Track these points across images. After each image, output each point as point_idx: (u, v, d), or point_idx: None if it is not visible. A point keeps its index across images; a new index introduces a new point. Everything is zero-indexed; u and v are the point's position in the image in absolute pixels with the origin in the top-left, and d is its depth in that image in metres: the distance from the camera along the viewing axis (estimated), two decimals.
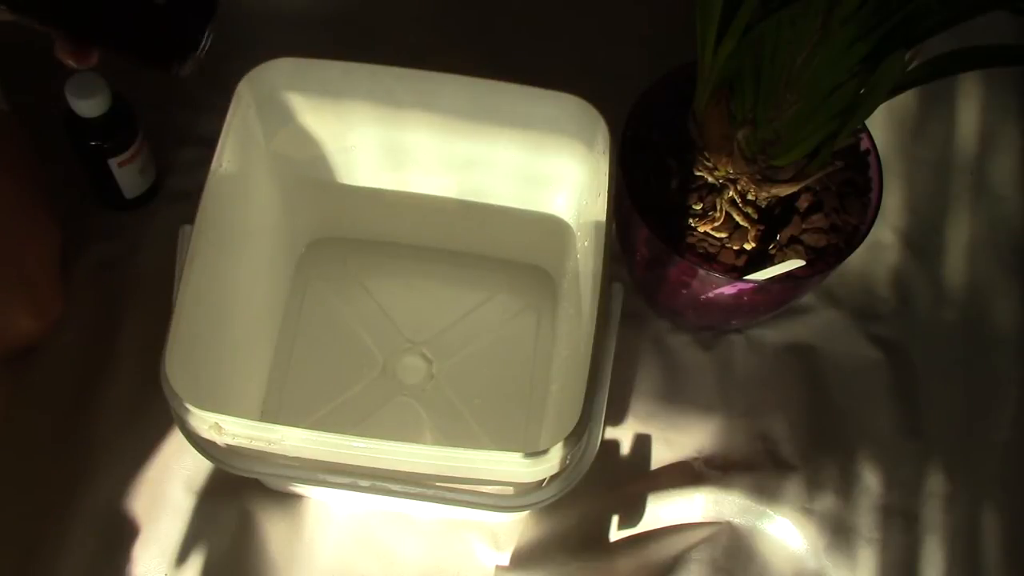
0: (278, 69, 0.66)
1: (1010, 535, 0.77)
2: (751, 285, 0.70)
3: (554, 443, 0.54)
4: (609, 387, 0.60)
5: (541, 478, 0.57)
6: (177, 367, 0.56)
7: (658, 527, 0.75)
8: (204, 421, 0.54)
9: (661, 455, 0.78)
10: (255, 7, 0.95)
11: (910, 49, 0.58)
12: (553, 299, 0.82)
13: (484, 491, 0.61)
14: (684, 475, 0.77)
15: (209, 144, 0.62)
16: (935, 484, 0.78)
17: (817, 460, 0.78)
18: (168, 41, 0.54)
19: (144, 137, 0.80)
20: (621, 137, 0.72)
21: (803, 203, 0.72)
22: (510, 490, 0.60)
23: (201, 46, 0.54)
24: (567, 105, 0.65)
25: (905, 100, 0.92)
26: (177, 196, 0.85)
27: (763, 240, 0.71)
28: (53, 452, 0.75)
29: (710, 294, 0.73)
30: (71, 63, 0.60)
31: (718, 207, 0.70)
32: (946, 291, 0.87)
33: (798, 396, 0.81)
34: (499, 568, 0.73)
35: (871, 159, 0.74)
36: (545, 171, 0.72)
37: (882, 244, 0.88)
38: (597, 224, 0.63)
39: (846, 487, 0.77)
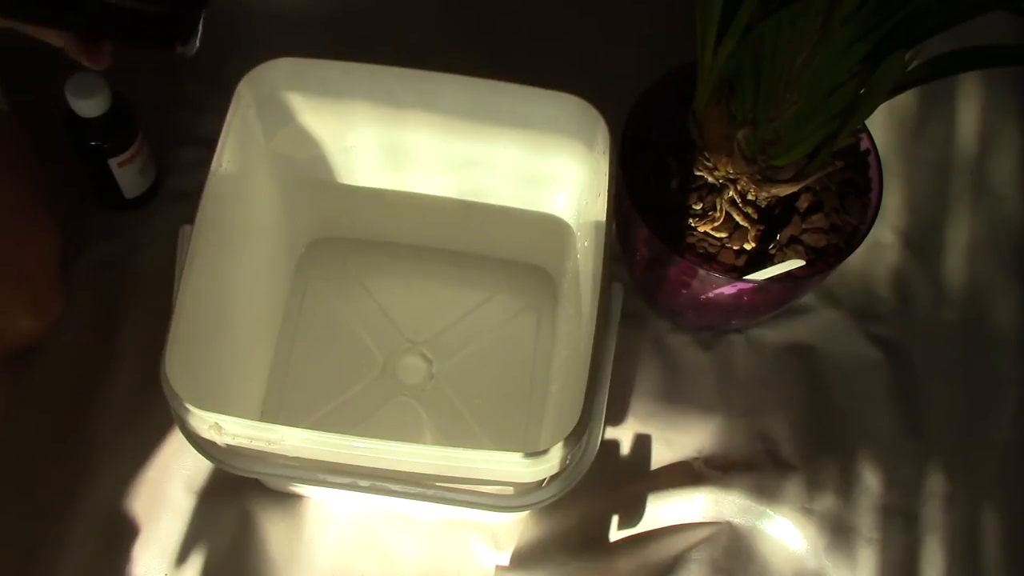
0: (278, 69, 0.66)
1: (1010, 535, 0.77)
2: (751, 285, 0.70)
3: (554, 443, 0.54)
4: (609, 387, 0.60)
5: (541, 478, 0.57)
6: (177, 367, 0.56)
7: (658, 527, 0.75)
8: (204, 421, 0.54)
9: (661, 455, 0.78)
10: (255, 7, 0.95)
11: (910, 49, 0.58)
12: (553, 299, 0.82)
13: (484, 491, 0.61)
14: (684, 475, 0.77)
15: (209, 144, 0.62)
16: (935, 484, 0.78)
17: (817, 460, 0.78)
18: (168, 22, 0.54)
19: (144, 137, 0.80)
20: (621, 137, 0.72)
21: (803, 203, 0.72)
22: (510, 490, 0.60)
23: (200, 22, 0.55)
24: (567, 105, 0.65)
25: (905, 100, 0.92)
26: (177, 196, 0.85)
27: (763, 240, 0.71)
28: (53, 452, 0.75)
29: (710, 294, 0.73)
30: (85, 63, 0.60)
31: (718, 207, 0.70)
32: (946, 291, 0.87)
33: (798, 396, 0.81)
34: (499, 568, 0.73)
35: (871, 159, 0.74)
36: (545, 171, 0.72)
37: (882, 244, 0.88)
38: (597, 224, 0.63)
39: (846, 487, 0.77)
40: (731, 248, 0.71)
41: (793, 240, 0.72)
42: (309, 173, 0.76)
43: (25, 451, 0.75)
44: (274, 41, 0.92)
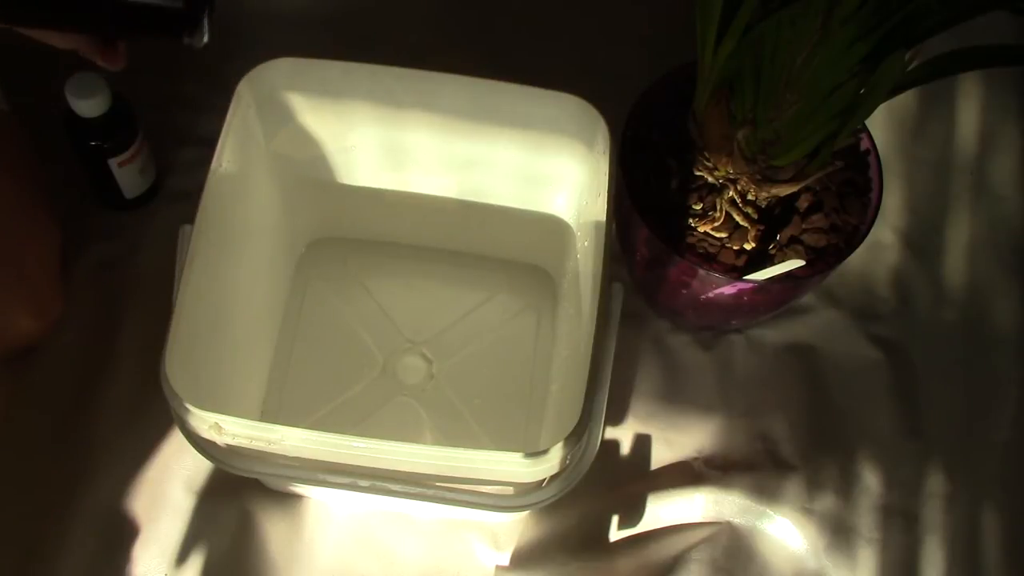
0: (278, 69, 0.66)
1: (1010, 535, 0.77)
2: (751, 285, 0.70)
3: (554, 443, 0.54)
4: (609, 387, 0.60)
5: (541, 478, 0.57)
6: (177, 367, 0.56)
7: (658, 527, 0.75)
8: (204, 421, 0.54)
9: (661, 455, 0.78)
10: (255, 7, 0.95)
11: (910, 49, 0.58)
12: (553, 299, 0.82)
13: (484, 491, 0.61)
14: (684, 475, 0.77)
15: (209, 144, 0.62)
16: (935, 484, 0.78)
17: (817, 460, 0.78)
18: (179, 15, 0.55)
19: (144, 137, 0.80)
20: (621, 137, 0.72)
21: (803, 203, 0.72)
22: (510, 490, 0.60)
23: (206, 12, 0.55)
24: (567, 105, 0.65)
25: (905, 100, 0.92)
26: (177, 196, 0.85)
27: (763, 240, 0.71)
28: (53, 452, 0.75)
29: (710, 294, 0.73)
30: (101, 64, 0.60)
31: (718, 207, 0.70)
32: (946, 291, 0.87)
33: (798, 396, 0.81)
34: (499, 568, 0.73)
35: (871, 159, 0.74)
36: (545, 171, 0.72)
37: (882, 244, 0.88)
38: (597, 224, 0.63)
39: (846, 487, 0.77)
40: (731, 248, 0.71)
41: (793, 240, 0.72)
42: (309, 173, 0.76)
43: (25, 451, 0.75)
44: (274, 41, 0.92)
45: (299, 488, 0.73)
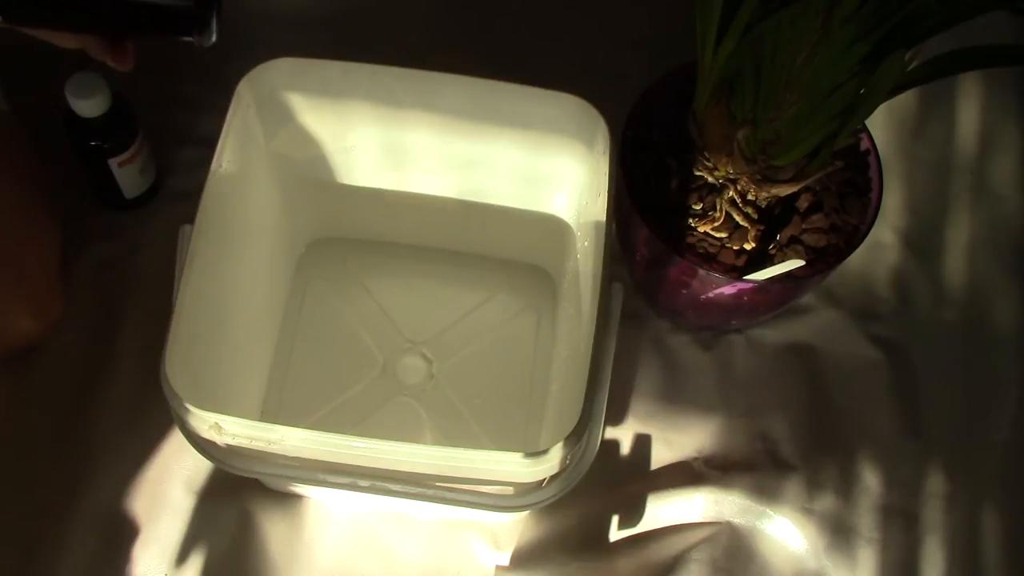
0: (278, 69, 0.66)
1: (1010, 535, 0.77)
2: (751, 285, 0.70)
3: (554, 443, 0.54)
4: (609, 387, 0.60)
5: (541, 478, 0.57)
6: (177, 367, 0.56)
7: (658, 527, 0.75)
8: (204, 421, 0.54)
9: (661, 455, 0.78)
10: (255, 7, 0.95)
11: (910, 49, 0.58)
12: (553, 299, 0.82)
13: (484, 491, 0.61)
14: (684, 475, 0.77)
15: (209, 144, 0.62)
16: (935, 484, 0.78)
17: (817, 460, 0.78)
18: (188, 14, 0.55)
19: (144, 137, 0.80)
20: (621, 137, 0.72)
21: (803, 203, 0.72)
22: (510, 490, 0.60)
23: (214, 12, 0.56)
24: (567, 105, 0.65)
25: (905, 100, 0.92)
26: (177, 196, 0.85)
27: (763, 240, 0.71)
28: (53, 452, 0.75)
29: (710, 294, 0.73)
30: (111, 64, 0.60)
31: (718, 207, 0.70)
32: (946, 291, 0.87)
33: (798, 396, 0.81)
34: (499, 568, 0.73)
35: (871, 159, 0.74)
36: (545, 171, 0.72)
37: (882, 244, 0.88)
38: (597, 224, 0.63)
39: (846, 487, 0.77)
40: (731, 248, 0.71)
41: (793, 240, 0.72)
42: (309, 173, 0.76)
43: (25, 451, 0.75)
44: (274, 41, 0.92)
45: (299, 488, 0.73)
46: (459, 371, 0.79)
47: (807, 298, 0.85)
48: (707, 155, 0.70)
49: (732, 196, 0.70)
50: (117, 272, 0.82)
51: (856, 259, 0.74)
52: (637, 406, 0.80)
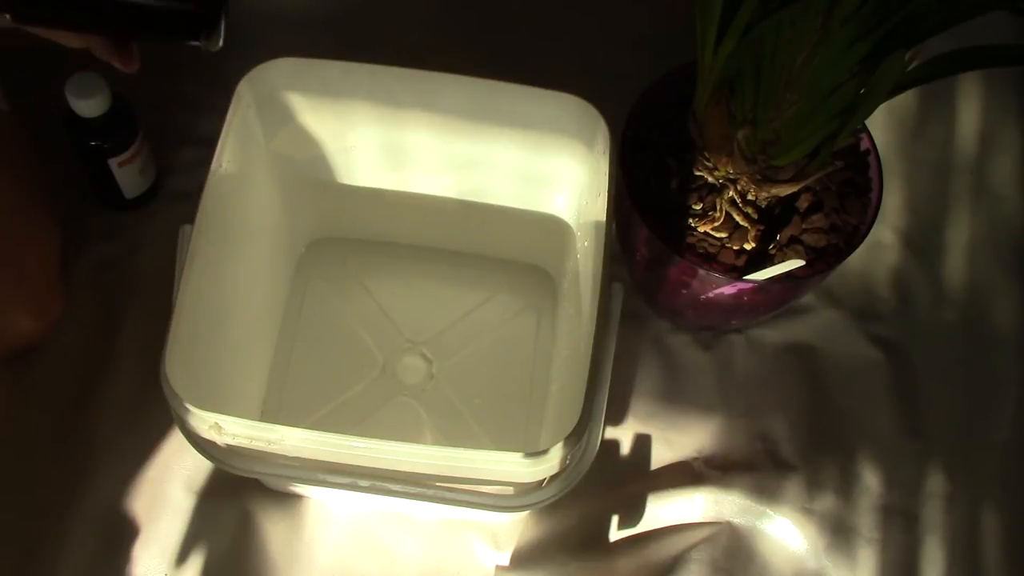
0: (278, 69, 0.66)
1: (1010, 535, 0.77)
2: (751, 285, 0.70)
3: (554, 443, 0.54)
4: (609, 387, 0.60)
5: (541, 478, 0.57)
6: (177, 367, 0.56)
7: (658, 527, 0.75)
8: (204, 421, 0.54)
9: (661, 455, 0.78)
10: (255, 7, 0.95)
11: (910, 49, 0.58)
12: (553, 299, 0.82)
13: (484, 491, 0.61)
14: (684, 475, 0.77)
15: (209, 144, 0.62)
16: (935, 484, 0.78)
17: (817, 460, 0.78)
18: (194, 18, 0.56)
19: (144, 137, 0.80)
20: (621, 137, 0.72)
21: (803, 203, 0.72)
22: (510, 490, 0.60)
23: (222, 17, 0.56)
24: (567, 105, 0.65)
25: (905, 100, 0.92)
26: (177, 196, 0.85)
27: (763, 240, 0.71)
28: (53, 452, 0.75)
29: (710, 294, 0.73)
30: (117, 65, 0.61)
31: (718, 207, 0.70)
32: (946, 291, 0.87)
33: (798, 396, 0.81)
34: (499, 568, 0.73)
35: (871, 159, 0.74)
36: (545, 171, 0.72)
37: (882, 244, 0.88)
38: (597, 224, 0.63)
39: (846, 487, 0.77)
40: (731, 248, 0.71)
41: (793, 240, 0.72)
42: (309, 173, 0.76)
43: (25, 451, 0.75)
44: (274, 41, 0.92)
45: (299, 488, 0.73)
46: (459, 371, 0.79)
47: (807, 298, 0.85)
48: (707, 155, 0.70)
49: (732, 196, 0.70)
50: (117, 272, 0.82)
51: (856, 259, 0.74)
52: (637, 406, 0.80)
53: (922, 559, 0.76)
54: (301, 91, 0.68)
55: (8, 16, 0.55)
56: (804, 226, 0.72)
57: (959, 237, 0.89)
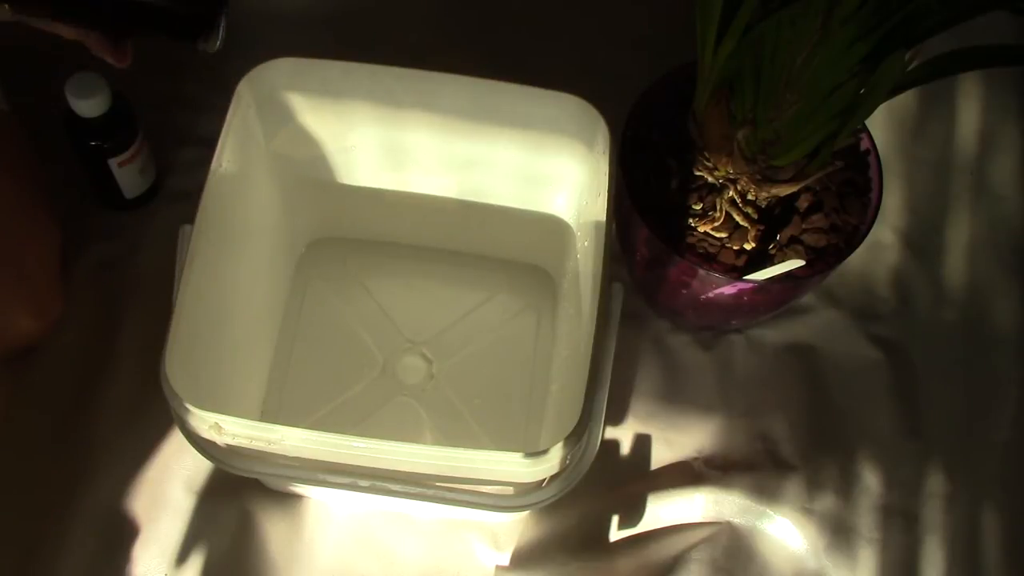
0: (278, 69, 0.66)
1: (1010, 535, 0.77)
2: (751, 285, 0.70)
3: (554, 443, 0.54)
4: (609, 387, 0.60)
5: (541, 478, 0.57)
6: (177, 367, 0.56)
7: (658, 527, 0.75)
8: (204, 421, 0.54)
9: (661, 455, 0.78)
10: (255, 7, 0.95)
11: (910, 49, 0.58)
12: (553, 299, 0.82)
13: (484, 491, 0.61)
14: (684, 475, 0.77)
15: (209, 144, 0.62)
16: (935, 484, 0.78)
17: (817, 460, 0.78)
18: (190, 19, 0.56)
19: (144, 137, 0.80)
20: (621, 137, 0.72)
21: (803, 203, 0.72)
22: (510, 490, 0.60)
23: (221, 19, 0.56)
24: (567, 105, 0.65)
25: (905, 100, 0.92)
26: (177, 196, 0.85)
27: (763, 240, 0.71)
28: (53, 452, 0.75)
29: (710, 294, 0.73)
30: (110, 61, 0.61)
31: (718, 207, 0.70)
32: (946, 291, 0.87)
33: (798, 396, 0.81)
34: (499, 568, 0.73)
35: (871, 159, 0.74)
36: (545, 171, 0.72)
37: (882, 244, 0.88)
38: (597, 224, 0.63)
39: (846, 487, 0.77)
40: (731, 248, 0.71)
41: (793, 240, 0.72)
42: (309, 173, 0.76)
43: (25, 451, 0.75)
44: (274, 41, 0.92)
45: (299, 488, 0.73)
46: (459, 371, 0.79)
47: (807, 298, 0.85)
48: (707, 155, 0.70)
49: (732, 196, 0.70)
50: (117, 272, 0.82)
51: (856, 259, 0.74)
52: (637, 406, 0.80)
53: (922, 559, 0.76)
54: (301, 91, 0.68)
55: (7, 6, 0.55)
56: (804, 226, 0.72)
57: (959, 237, 0.89)
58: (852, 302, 0.85)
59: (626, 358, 0.81)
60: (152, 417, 0.75)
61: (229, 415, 0.54)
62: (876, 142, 0.74)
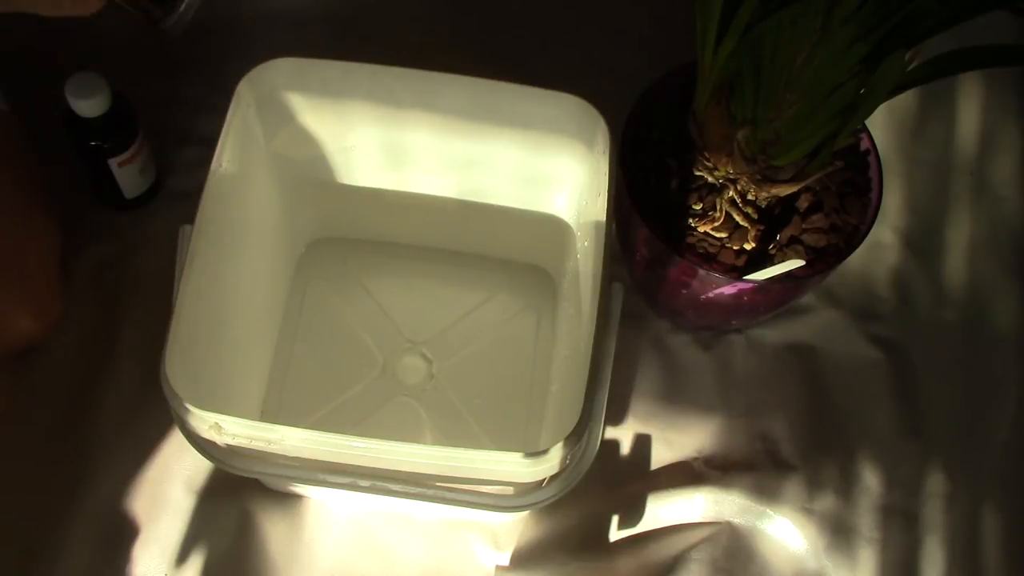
0: (278, 69, 0.66)
1: (1010, 535, 0.77)
2: (751, 285, 0.70)
3: (554, 443, 0.54)
4: (609, 387, 0.60)
5: (541, 478, 0.57)
6: (177, 367, 0.56)
7: (658, 527, 0.75)
8: (204, 421, 0.54)
9: (661, 455, 0.78)
10: (255, 7, 0.95)
11: (910, 49, 0.58)
12: (553, 299, 0.82)
13: (484, 491, 0.61)
14: (684, 475, 0.77)
15: (209, 144, 0.62)
16: (935, 484, 0.78)
17: (817, 460, 0.78)
18: None
19: (144, 137, 0.80)
20: (621, 137, 0.72)
21: (803, 203, 0.72)
22: (510, 490, 0.60)
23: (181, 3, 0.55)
24: (567, 105, 0.65)
25: (905, 100, 0.92)
26: (177, 196, 0.85)
27: (763, 240, 0.71)
28: (53, 452, 0.75)
29: (710, 294, 0.73)
30: (70, 11, 0.60)
31: (718, 207, 0.70)
32: (946, 291, 0.87)
33: (798, 396, 0.81)
34: (499, 568, 0.73)
35: (871, 159, 0.74)
36: (545, 171, 0.72)
37: (882, 244, 0.88)
38: (597, 224, 0.63)
39: (846, 487, 0.77)
40: (731, 248, 0.71)
41: (793, 240, 0.72)
42: (309, 173, 0.76)
43: (25, 451, 0.75)
44: (274, 41, 0.92)
45: (299, 488, 0.73)
46: (459, 371, 0.79)
47: (807, 298, 0.85)
48: (707, 155, 0.70)
49: (732, 196, 0.70)
50: (117, 272, 0.82)
51: (856, 259, 0.74)
52: (637, 406, 0.80)
53: (922, 559, 0.76)
54: (301, 91, 0.68)
55: None
56: (804, 226, 0.72)
57: (959, 237, 0.89)
58: (852, 302, 0.85)
59: (626, 358, 0.81)
60: (152, 417, 0.75)
61: (229, 415, 0.54)
62: (876, 142, 0.74)
